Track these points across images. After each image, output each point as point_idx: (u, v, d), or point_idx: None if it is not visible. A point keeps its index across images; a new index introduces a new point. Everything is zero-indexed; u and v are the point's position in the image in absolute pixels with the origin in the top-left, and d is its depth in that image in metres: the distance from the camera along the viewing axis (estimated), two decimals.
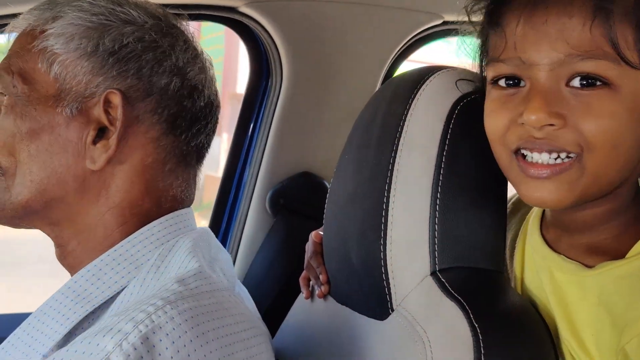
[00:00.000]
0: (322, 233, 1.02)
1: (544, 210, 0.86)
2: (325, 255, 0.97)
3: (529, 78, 0.73)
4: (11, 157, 0.81)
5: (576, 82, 0.71)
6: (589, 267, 0.78)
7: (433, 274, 0.80)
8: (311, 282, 1.04)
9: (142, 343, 0.62)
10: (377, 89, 1.57)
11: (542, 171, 0.73)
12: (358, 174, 0.88)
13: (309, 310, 1.02)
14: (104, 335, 0.63)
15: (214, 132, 0.90)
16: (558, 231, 0.83)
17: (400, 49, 1.60)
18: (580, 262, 0.79)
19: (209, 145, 0.90)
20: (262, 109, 1.55)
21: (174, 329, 0.65)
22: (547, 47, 0.71)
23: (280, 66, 1.49)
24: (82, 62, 0.80)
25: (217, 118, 0.90)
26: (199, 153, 0.88)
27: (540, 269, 0.83)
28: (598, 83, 0.70)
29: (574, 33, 0.70)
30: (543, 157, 0.73)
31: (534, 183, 0.74)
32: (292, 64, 1.49)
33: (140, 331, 0.63)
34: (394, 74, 1.64)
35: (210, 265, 0.80)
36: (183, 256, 0.78)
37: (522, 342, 0.74)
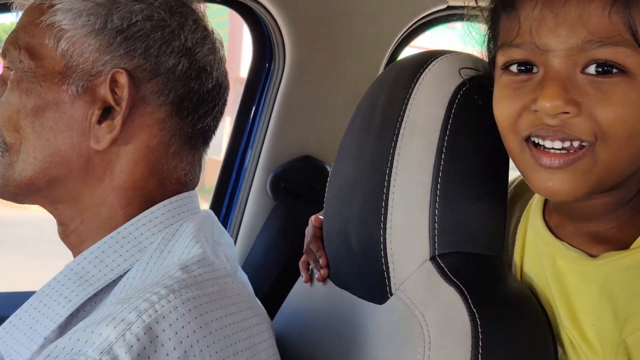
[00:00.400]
0: (322, 217, 1.02)
1: None
2: (325, 239, 0.97)
3: (543, 64, 0.72)
4: (16, 133, 0.80)
5: (592, 69, 0.69)
6: (593, 256, 0.77)
7: (432, 258, 0.80)
8: (310, 266, 1.04)
9: (145, 333, 0.62)
10: (379, 73, 1.57)
11: (555, 160, 0.71)
12: (359, 158, 0.88)
13: (308, 293, 1.03)
14: (107, 325, 0.62)
15: (221, 114, 0.88)
16: (562, 218, 0.82)
17: (404, 33, 1.60)
18: (583, 251, 0.78)
19: (215, 127, 0.88)
20: (265, 92, 1.55)
21: (177, 319, 0.64)
22: (565, 33, 0.69)
23: (283, 49, 1.49)
24: (90, 39, 0.78)
25: (226, 100, 0.88)
26: (205, 136, 0.86)
27: (542, 255, 0.82)
28: (615, 70, 0.68)
29: (592, 18, 0.68)
30: (556, 145, 0.71)
31: (547, 173, 0.72)
32: (295, 47, 1.48)
33: (144, 321, 0.62)
34: (397, 58, 1.63)
35: (214, 249, 0.79)
36: (187, 241, 0.78)
37: (520, 328, 0.74)
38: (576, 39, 0.69)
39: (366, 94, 0.95)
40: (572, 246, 0.79)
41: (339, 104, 1.55)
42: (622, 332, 0.72)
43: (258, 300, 0.86)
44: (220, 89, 0.86)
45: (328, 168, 1.56)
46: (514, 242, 0.88)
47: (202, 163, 0.88)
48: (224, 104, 0.88)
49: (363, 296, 0.87)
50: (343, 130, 0.95)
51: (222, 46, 0.88)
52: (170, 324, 0.64)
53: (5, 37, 0.84)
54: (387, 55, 1.58)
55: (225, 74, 0.87)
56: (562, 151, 0.71)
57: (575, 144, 0.71)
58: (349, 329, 0.87)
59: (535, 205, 0.86)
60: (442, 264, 0.79)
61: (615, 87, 0.69)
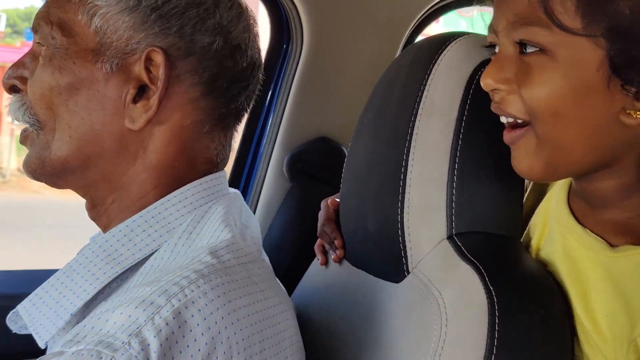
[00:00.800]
0: (337, 200, 1.02)
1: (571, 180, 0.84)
2: (341, 219, 0.97)
3: (498, 44, 0.76)
4: (49, 110, 0.78)
5: (524, 49, 0.72)
6: (614, 246, 0.76)
7: (449, 238, 0.80)
8: (326, 248, 1.04)
9: (174, 318, 0.62)
10: (396, 56, 1.57)
11: (507, 137, 0.76)
12: (377, 138, 0.88)
13: (325, 274, 1.03)
14: (136, 307, 0.62)
15: (254, 92, 0.86)
16: (584, 204, 0.81)
17: (422, 16, 1.59)
18: (605, 240, 0.77)
19: (248, 106, 0.86)
20: (282, 74, 1.55)
21: (206, 304, 0.64)
22: (501, 14, 0.73)
23: (301, 32, 1.48)
24: (124, 16, 0.76)
25: (259, 78, 0.87)
26: (237, 115, 0.85)
27: (561, 240, 0.82)
28: (536, 49, 0.71)
29: (517, 1, 0.71)
30: (503, 120, 0.76)
31: (511, 150, 0.77)
32: (312, 30, 1.48)
33: (173, 305, 0.63)
34: (412, 42, 1.63)
35: (242, 233, 0.79)
36: (216, 224, 0.77)
37: (536, 306, 0.75)
38: (505, 21, 0.73)
39: (384, 74, 0.95)
40: (594, 233, 0.78)
41: (356, 87, 1.54)
42: (633, 330, 0.72)
43: (281, 284, 0.86)
44: (254, 67, 0.85)
45: (344, 149, 1.56)
46: (532, 223, 0.88)
47: (232, 143, 0.87)
48: (257, 82, 0.86)
49: (380, 275, 0.88)
50: (359, 112, 0.96)
51: (256, 23, 0.86)
52: (199, 310, 0.64)
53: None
54: (404, 38, 1.58)
55: (258, 52, 0.86)
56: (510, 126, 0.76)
57: (520, 121, 0.74)
58: (366, 308, 0.88)
59: (560, 188, 0.85)
60: (459, 243, 0.79)
61: (536, 66, 0.71)
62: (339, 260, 0.99)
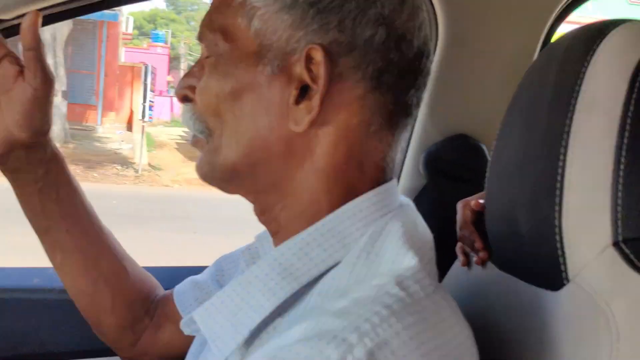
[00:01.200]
0: (480, 201, 0.98)
1: None
2: (487, 221, 0.92)
3: None
4: (217, 117, 0.77)
5: None
6: None
7: (615, 244, 0.74)
8: (467, 250, 1.01)
9: (367, 359, 0.59)
10: (536, 50, 1.50)
11: None
12: (527, 137, 0.83)
13: (467, 276, 0.99)
14: (327, 343, 0.59)
15: (424, 85, 0.80)
16: None
17: (562, 7, 1.51)
18: None
19: (419, 102, 0.80)
20: None
21: (399, 346, 0.61)
22: None
23: (436, 25, 1.45)
24: (282, 15, 0.73)
25: (429, 70, 0.80)
26: (407, 111, 0.79)
27: None
28: None
29: None
30: None
31: None
32: (448, 24, 1.44)
33: (366, 345, 0.59)
34: (553, 35, 1.55)
35: (422, 255, 0.74)
36: (397, 246, 0.72)
37: None
38: None
39: (531, 68, 0.89)
40: None
41: (495, 83, 1.49)
42: None
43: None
44: (422, 57, 0.78)
45: (484, 147, 1.51)
46: None
47: (401, 143, 0.81)
48: (427, 73, 0.80)
49: (533, 282, 0.82)
50: (499, 108, 0.91)
51: (421, 9, 0.80)
52: (392, 352, 0.60)
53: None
54: (544, 31, 1.50)
55: (426, 40, 0.79)
56: None
57: None
58: (522, 315, 0.82)
59: None
60: (626, 251, 0.72)
61: None
62: (483, 263, 0.95)
